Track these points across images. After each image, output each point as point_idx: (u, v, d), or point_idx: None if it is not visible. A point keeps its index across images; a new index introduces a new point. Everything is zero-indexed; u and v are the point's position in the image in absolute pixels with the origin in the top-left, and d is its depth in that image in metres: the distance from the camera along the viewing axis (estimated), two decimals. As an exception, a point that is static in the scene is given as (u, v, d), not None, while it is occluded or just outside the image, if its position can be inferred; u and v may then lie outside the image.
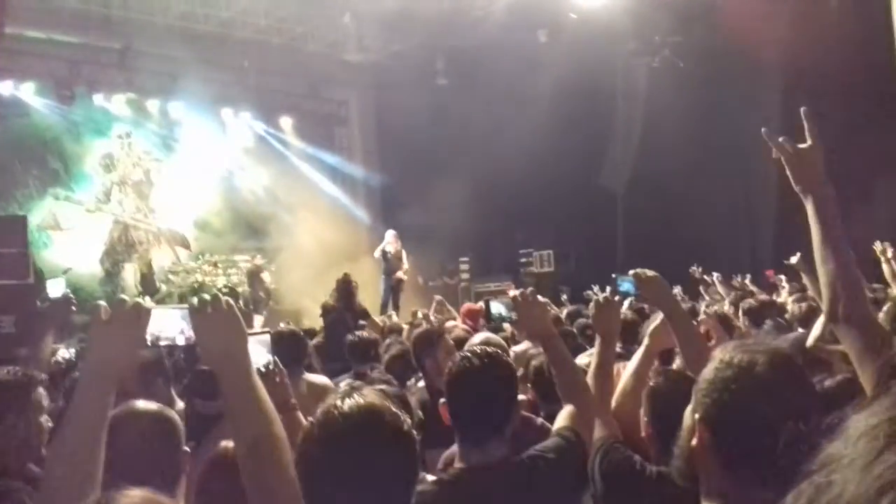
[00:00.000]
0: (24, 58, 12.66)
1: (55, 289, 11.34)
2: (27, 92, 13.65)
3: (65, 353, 5.24)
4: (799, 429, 1.29)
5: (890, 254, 7.05)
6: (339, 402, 1.68)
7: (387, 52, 15.68)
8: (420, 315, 8.77)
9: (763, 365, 1.48)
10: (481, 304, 10.31)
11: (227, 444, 2.03)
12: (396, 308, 12.03)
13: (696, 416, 1.52)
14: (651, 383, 2.51)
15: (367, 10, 14.09)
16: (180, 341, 1.90)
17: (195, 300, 1.76)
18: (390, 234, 12.97)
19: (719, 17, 12.00)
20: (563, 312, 7.99)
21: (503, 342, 3.60)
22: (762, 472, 1.36)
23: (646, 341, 3.08)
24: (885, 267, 7.14)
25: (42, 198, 14.15)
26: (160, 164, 15.70)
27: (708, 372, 1.54)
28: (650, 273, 2.84)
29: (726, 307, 6.78)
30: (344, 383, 3.93)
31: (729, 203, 13.02)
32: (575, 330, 5.73)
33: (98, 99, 14.38)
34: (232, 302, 1.76)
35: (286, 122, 16.71)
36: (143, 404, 2.21)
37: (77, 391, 1.69)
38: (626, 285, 3.45)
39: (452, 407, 2.33)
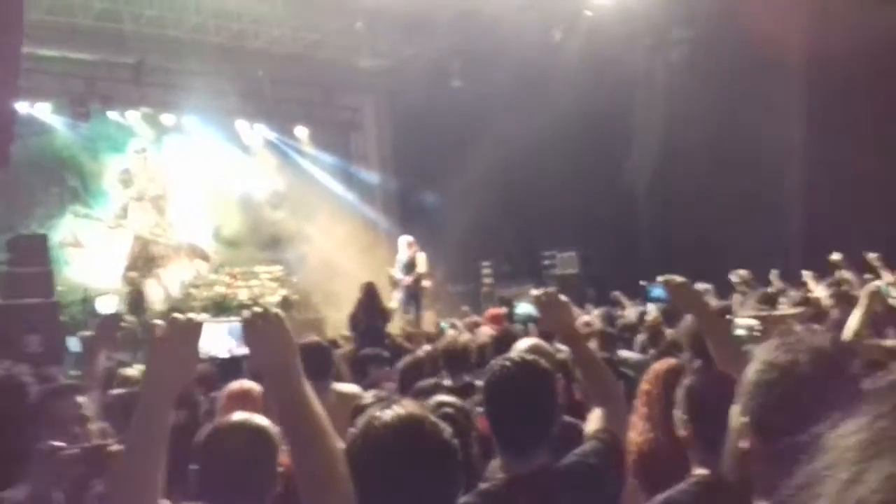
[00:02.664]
0: (38, 76, 12.67)
1: (106, 306, 11.41)
2: (43, 110, 13.69)
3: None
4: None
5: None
6: (379, 413, 1.75)
7: (400, 57, 15.60)
8: (446, 325, 8.72)
9: (806, 364, 1.47)
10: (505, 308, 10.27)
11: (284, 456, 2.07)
12: (418, 315, 11.89)
13: (744, 418, 1.52)
14: (687, 382, 2.42)
15: (379, 16, 14.02)
16: (223, 354, 2.00)
17: (247, 313, 1.78)
18: (403, 241, 12.75)
19: (737, 8, 11.80)
20: (593, 314, 7.89)
21: (550, 348, 3.48)
22: None
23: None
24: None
25: (62, 215, 14.19)
26: (177, 178, 15.71)
27: (752, 374, 1.54)
28: (679, 279, 2.86)
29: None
30: (370, 394, 3.82)
31: (756, 199, 12.78)
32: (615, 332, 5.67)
33: (113, 115, 14.43)
34: (283, 314, 1.78)
35: (301, 130, 16.69)
36: (241, 417, 2.24)
37: (137, 408, 1.73)
38: (657, 291, 3.44)
39: (492, 416, 2.30)
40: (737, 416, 1.57)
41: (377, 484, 1.67)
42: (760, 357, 1.55)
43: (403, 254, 12.39)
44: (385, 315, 8.58)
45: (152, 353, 1.76)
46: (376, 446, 1.68)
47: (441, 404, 3.28)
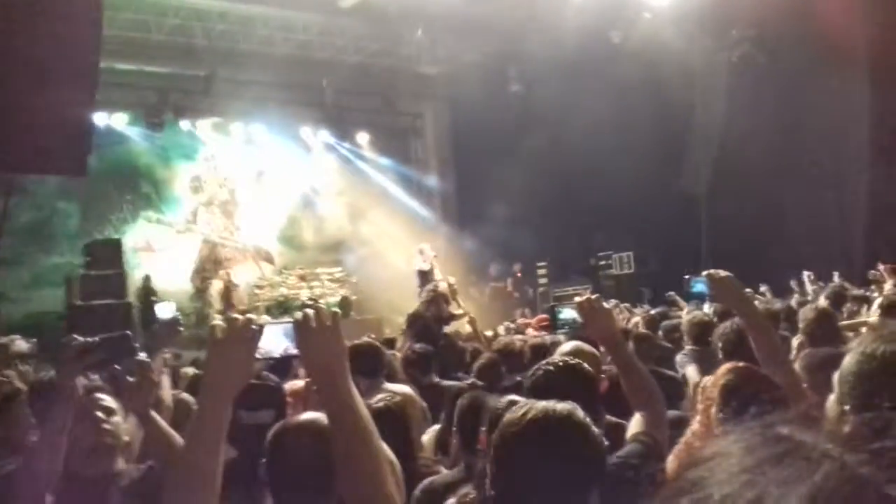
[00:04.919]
0: (116, 89, 13.25)
1: (165, 311, 11.92)
2: (120, 121, 14.40)
3: None
4: None
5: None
6: (539, 406, 1.76)
7: (460, 63, 15.79)
8: (502, 330, 8.82)
9: None
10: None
11: None
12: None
13: (845, 407, 1.60)
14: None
15: (438, 23, 14.23)
16: (276, 353, 2.01)
17: (299, 314, 1.80)
18: (423, 249, 12.82)
19: (798, 5, 11.59)
20: (635, 318, 7.88)
21: (595, 350, 3.52)
22: None
23: None
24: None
25: (135, 221, 14.86)
26: (244, 184, 16.28)
27: (852, 365, 1.63)
28: (722, 273, 2.81)
29: (822, 302, 6.59)
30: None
31: (818, 201, 12.48)
32: (661, 333, 5.68)
33: (185, 125, 15.03)
34: (337, 314, 1.80)
35: (363, 137, 17.06)
36: (309, 416, 2.24)
37: (197, 408, 1.77)
38: (699, 286, 3.39)
39: None
40: (833, 406, 1.67)
41: (525, 468, 1.70)
42: (860, 349, 1.65)
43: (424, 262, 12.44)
44: (445, 320, 8.58)
45: (210, 354, 1.76)
46: (522, 440, 1.71)
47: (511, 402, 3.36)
